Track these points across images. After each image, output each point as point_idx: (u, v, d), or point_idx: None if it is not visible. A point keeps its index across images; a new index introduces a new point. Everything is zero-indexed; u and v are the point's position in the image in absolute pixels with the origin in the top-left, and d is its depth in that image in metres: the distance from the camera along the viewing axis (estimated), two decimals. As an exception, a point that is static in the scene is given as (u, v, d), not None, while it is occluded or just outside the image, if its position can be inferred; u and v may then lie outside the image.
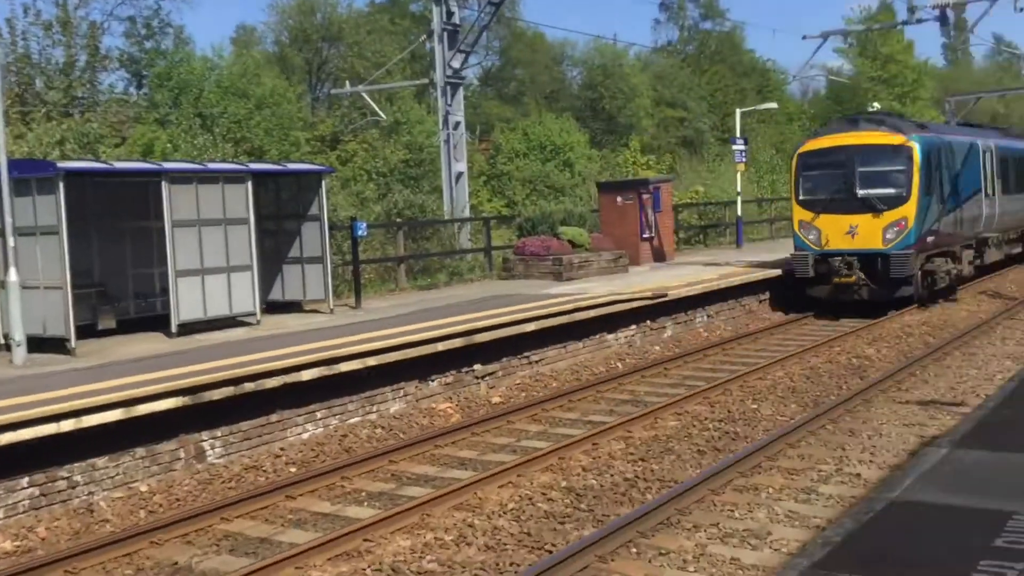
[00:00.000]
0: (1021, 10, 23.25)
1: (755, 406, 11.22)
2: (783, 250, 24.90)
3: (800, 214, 17.91)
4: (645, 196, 21.94)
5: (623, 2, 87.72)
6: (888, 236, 16.99)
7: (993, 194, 21.29)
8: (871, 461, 8.69)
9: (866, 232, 17.10)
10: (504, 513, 7.81)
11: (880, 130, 17.75)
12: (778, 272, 18.89)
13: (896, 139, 17.30)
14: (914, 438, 9.35)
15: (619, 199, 22.06)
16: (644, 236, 22.04)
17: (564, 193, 35.86)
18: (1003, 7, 24.29)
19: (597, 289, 16.35)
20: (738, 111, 28.31)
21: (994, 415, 7.64)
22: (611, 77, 49.95)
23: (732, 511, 7.59)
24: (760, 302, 18.59)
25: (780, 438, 9.25)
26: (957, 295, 19.04)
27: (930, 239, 17.68)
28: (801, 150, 18.51)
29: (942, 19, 24.26)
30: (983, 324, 15.51)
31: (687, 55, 60.12)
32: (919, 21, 23.74)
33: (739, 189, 27.16)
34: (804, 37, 29.78)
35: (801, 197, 18.00)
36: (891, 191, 17.10)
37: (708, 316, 17.13)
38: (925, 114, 67.07)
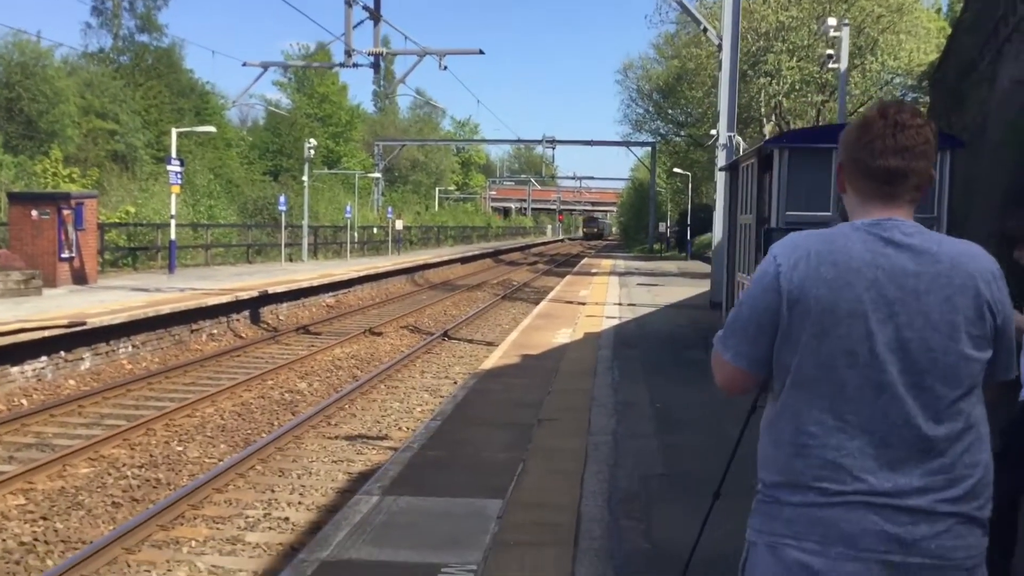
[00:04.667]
0: (444, 68, 25.61)
1: (181, 448, 10.41)
2: (218, 277, 24.32)
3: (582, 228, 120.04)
4: (66, 212, 19.89)
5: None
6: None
7: None
8: (300, 503, 8.44)
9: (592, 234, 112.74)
10: None
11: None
12: (225, 300, 18.29)
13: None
14: (343, 475, 9.34)
15: (35, 213, 19.71)
16: (63, 256, 19.92)
17: (-33, 201, 31.34)
18: (428, 64, 26.58)
19: (2, 314, 14.24)
20: (174, 131, 27.06)
21: (420, 456, 7.81)
22: (32, 77, 45.09)
23: (149, 571, 6.79)
24: (192, 332, 17.73)
25: (206, 483, 8.60)
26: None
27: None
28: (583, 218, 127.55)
29: (375, 66, 25.72)
30: (405, 358, 16.38)
31: (121, 65, 56.59)
32: (355, 65, 24.87)
33: (173, 212, 25.92)
34: (244, 64, 29.60)
35: (583, 229, 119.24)
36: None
37: (134, 347, 15.84)
38: (356, 155, 71.31)
